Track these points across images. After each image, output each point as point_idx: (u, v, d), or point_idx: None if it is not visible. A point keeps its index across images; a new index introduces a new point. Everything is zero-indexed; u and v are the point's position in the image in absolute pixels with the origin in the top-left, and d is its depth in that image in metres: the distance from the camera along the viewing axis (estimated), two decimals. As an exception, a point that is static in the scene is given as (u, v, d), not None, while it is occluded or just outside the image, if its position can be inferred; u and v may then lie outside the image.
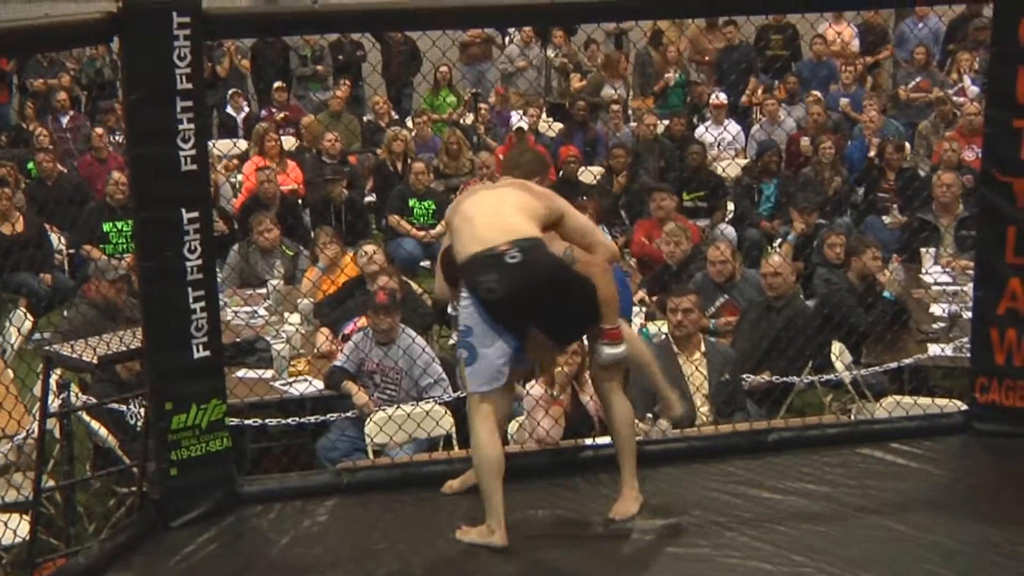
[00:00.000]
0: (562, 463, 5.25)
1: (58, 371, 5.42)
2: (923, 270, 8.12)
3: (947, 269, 8.08)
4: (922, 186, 9.31)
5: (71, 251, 9.72)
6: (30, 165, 10.84)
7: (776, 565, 4.39)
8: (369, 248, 7.73)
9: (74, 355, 5.02)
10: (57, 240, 9.80)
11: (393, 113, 12.73)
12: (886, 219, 9.48)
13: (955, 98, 11.68)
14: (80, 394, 5.90)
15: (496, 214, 4.52)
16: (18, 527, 5.08)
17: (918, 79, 12.57)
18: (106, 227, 9.41)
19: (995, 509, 4.79)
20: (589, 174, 10.67)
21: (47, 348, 5.44)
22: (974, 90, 11.52)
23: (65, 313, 7.95)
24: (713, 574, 4.37)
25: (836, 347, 6.68)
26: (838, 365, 6.60)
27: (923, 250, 8.27)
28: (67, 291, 9.03)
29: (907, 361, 6.56)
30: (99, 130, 10.90)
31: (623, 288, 4.93)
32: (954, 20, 13.08)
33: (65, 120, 12.20)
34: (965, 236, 8.24)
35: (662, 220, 8.79)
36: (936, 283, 7.83)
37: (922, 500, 4.91)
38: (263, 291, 8.04)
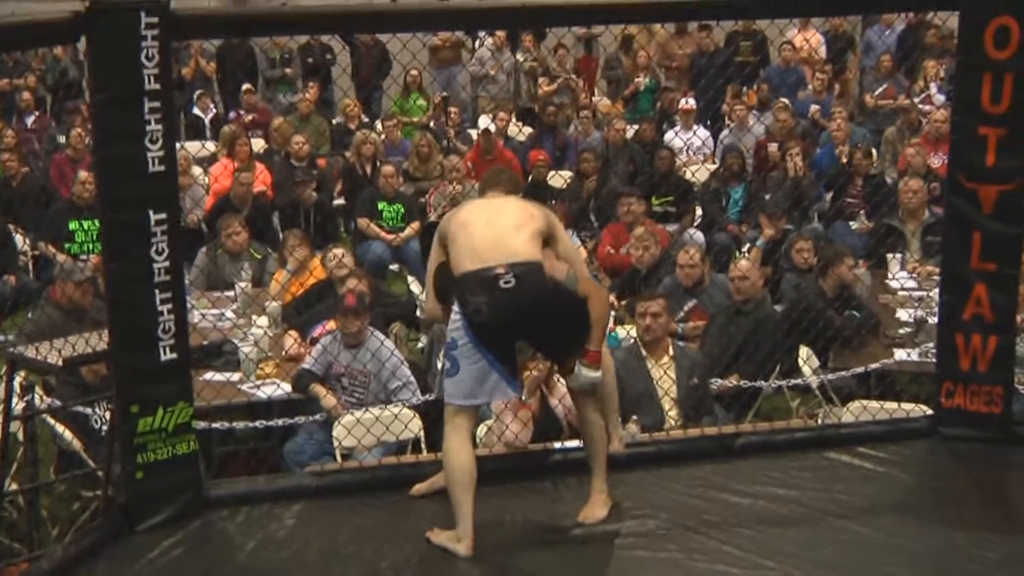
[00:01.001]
0: (530, 466, 5.25)
1: (22, 373, 5.38)
2: (889, 275, 8.16)
3: (913, 275, 8.13)
4: (889, 192, 9.38)
5: (36, 252, 9.66)
6: (-7, 165, 10.76)
7: (743, 569, 4.40)
8: (338, 251, 7.71)
9: (39, 357, 4.99)
10: (22, 241, 9.74)
11: (363, 116, 12.72)
12: (853, 225, 9.53)
13: (921, 106, 11.77)
14: (44, 397, 5.86)
15: (496, 229, 4.50)
16: (-19, 531, 5.04)
17: (884, 86, 12.65)
18: (72, 225, 9.36)
19: (960, 513, 4.82)
20: (559, 178, 10.69)
21: (11, 350, 5.41)
22: (940, 98, 11.61)
23: (30, 315, 7.90)
24: (674, 572, 4.39)
25: (804, 352, 6.71)
26: (805, 370, 6.63)
27: (889, 256, 8.32)
28: (32, 292, 8.96)
29: (874, 366, 6.59)
30: (78, 130, 10.83)
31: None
32: (908, 26, 13.18)
33: (30, 120, 12.14)
34: (931, 242, 8.29)
35: (630, 224, 8.82)
36: (902, 288, 7.88)
37: (888, 504, 4.94)
38: (231, 294, 8.00)
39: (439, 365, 6.76)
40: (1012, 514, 4.93)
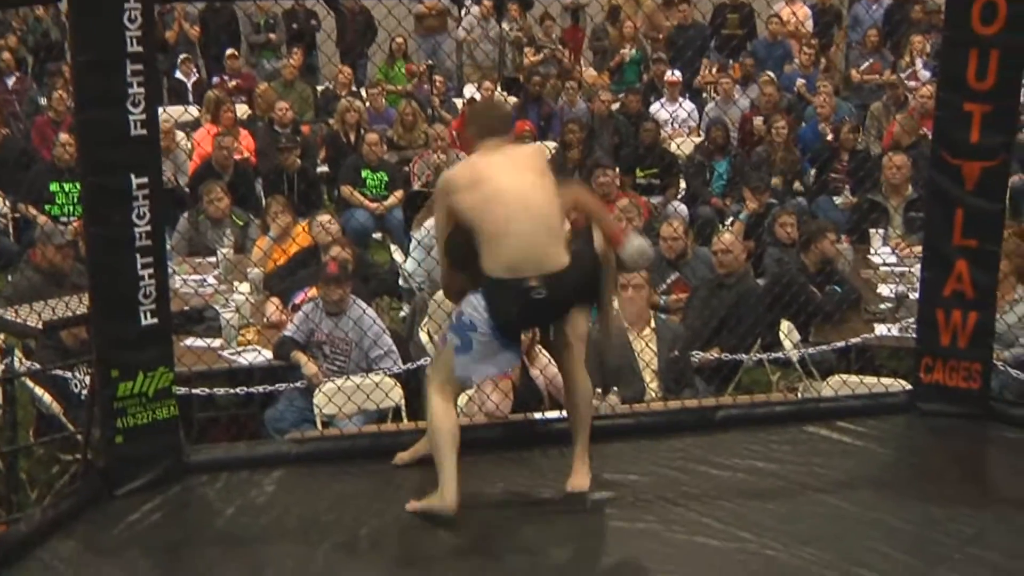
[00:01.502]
0: (511, 436, 5.26)
1: (1, 336, 5.36)
2: (872, 251, 8.18)
3: (895, 250, 8.15)
4: (874, 167, 9.39)
5: (16, 215, 9.62)
6: (-28, 127, 10.71)
7: (722, 541, 4.42)
8: (323, 218, 7.70)
9: (18, 320, 4.97)
10: (2, 203, 9.69)
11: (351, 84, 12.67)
12: (837, 200, 9.55)
13: (907, 82, 11.77)
14: (24, 360, 5.85)
15: (529, 224, 4.39)
16: (-41, 493, 5.04)
17: (870, 61, 12.65)
18: (53, 187, 9.32)
19: (938, 488, 4.85)
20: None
21: (-9, 313, 5.39)
22: (925, 74, 11.62)
23: (10, 277, 7.88)
24: (660, 549, 4.40)
25: (784, 326, 6.73)
26: (786, 343, 6.65)
27: (872, 231, 8.34)
28: (12, 255, 8.94)
29: (854, 340, 6.61)
30: (60, 92, 10.76)
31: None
32: (895, 1, 13.18)
33: (11, 81, 12.05)
34: (914, 218, 8.32)
35: (603, 197, 8.83)
36: (884, 264, 7.90)
37: (866, 478, 4.97)
38: (213, 260, 7.99)
39: (422, 336, 6.78)
40: (989, 489, 4.97)
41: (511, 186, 4.41)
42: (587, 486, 4.72)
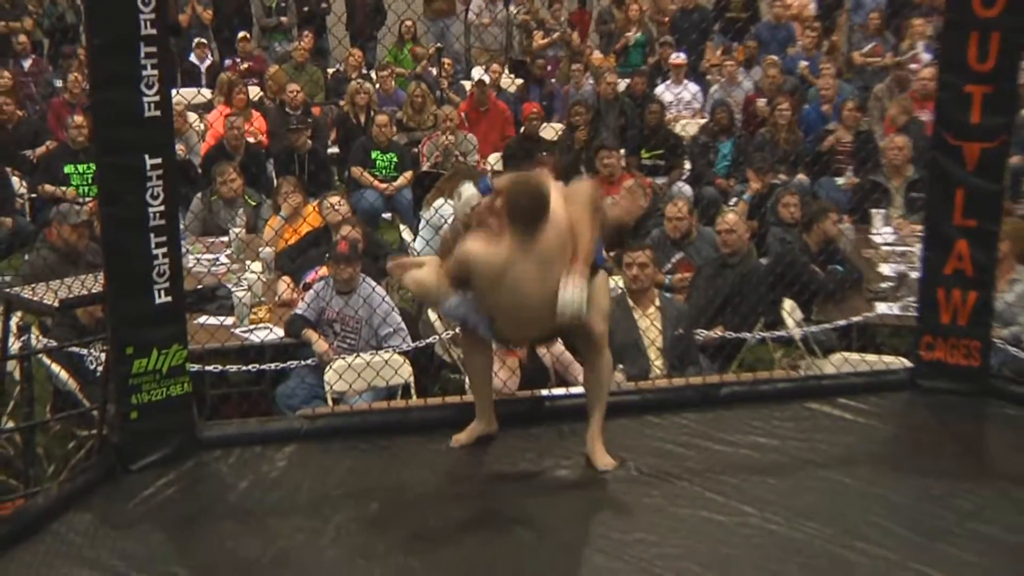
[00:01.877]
0: (518, 413, 5.26)
1: (18, 314, 5.37)
2: (873, 230, 8.17)
3: (896, 230, 8.13)
4: (875, 148, 9.37)
5: (32, 195, 9.63)
6: (-9, 108, 10.69)
7: (725, 515, 4.42)
8: (335, 199, 7.70)
9: (35, 298, 4.98)
10: (18, 183, 9.70)
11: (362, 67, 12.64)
12: (839, 180, 9.52)
13: (909, 64, 11.72)
14: (40, 337, 5.85)
15: (535, 313, 4.51)
16: (-22, 468, 5.06)
17: (872, 44, 12.60)
18: (67, 168, 9.33)
19: (937, 463, 4.85)
20: (551, 130, 10.66)
21: (7, 291, 5.39)
22: (926, 57, 11.56)
23: (26, 257, 7.88)
24: (664, 523, 4.40)
25: (787, 304, 6.72)
26: (789, 322, 6.64)
27: (873, 211, 8.33)
28: (28, 235, 8.94)
29: (856, 319, 6.61)
30: (75, 75, 10.75)
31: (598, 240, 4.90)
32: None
33: (27, 64, 12.04)
34: (915, 198, 8.30)
35: (608, 178, 8.83)
36: (885, 243, 7.89)
37: (867, 454, 4.97)
38: (225, 239, 7.99)
39: (431, 314, 6.79)
40: (988, 465, 4.97)
41: (530, 289, 4.46)
42: (611, 464, 4.77)
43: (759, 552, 4.20)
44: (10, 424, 5.39)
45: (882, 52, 12.44)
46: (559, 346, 5.71)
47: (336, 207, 7.53)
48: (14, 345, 5.22)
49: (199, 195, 8.60)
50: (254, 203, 8.62)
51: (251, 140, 10.05)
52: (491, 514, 4.46)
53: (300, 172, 9.50)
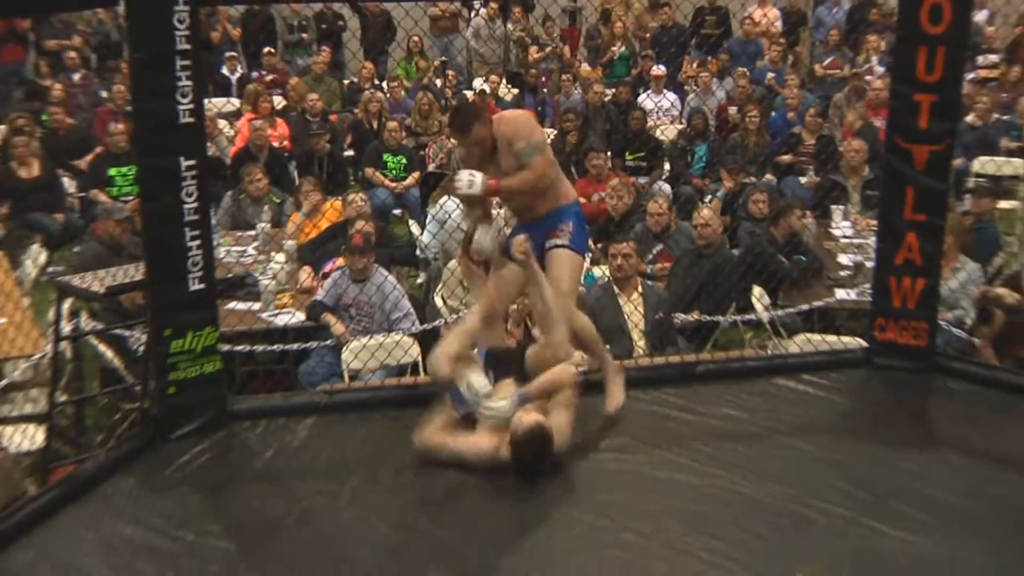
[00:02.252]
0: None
1: (69, 300, 5.38)
2: (833, 224, 8.17)
3: (853, 224, 8.14)
4: (835, 150, 9.37)
5: (82, 194, 9.63)
6: (44, 117, 10.69)
7: (700, 479, 4.44)
8: (359, 196, 7.72)
9: (84, 286, 4.99)
10: (69, 183, 9.70)
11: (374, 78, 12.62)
12: (803, 179, 9.53)
13: (865, 76, 11.71)
14: (89, 320, 5.86)
15: None
16: (35, 436, 5.07)
17: (832, 58, 12.59)
18: (111, 172, 9.32)
19: (890, 432, 4.86)
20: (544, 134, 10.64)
21: (60, 280, 5.40)
22: (880, 69, 11.56)
23: (76, 249, 7.88)
24: (645, 485, 4.43)
25: (756, 291, 6.73)
26: (758, 307, 6.65)
27: (833, 207, 8.33)
28: (77, 229, 8.95)
29: (817, 304, 6.62)
30: (119, 86, 10.73)
31: (580, 226, 4.90)
32: (854, 5, 13.11)
33: (76, 77, 12.02)
34: (870, 195, 8.30)
35: (595, 177, 8.85)
36: (843, 236, 7.89)
37: (827, 424, 4.98)
38: (252, 233, 7.99)
39: (436, 300, 6.79)
40: (933, 432, 4.99)
41: None
42: (623, 398, 4.95)
43: (729, 510, 4.22)
44: (63, 398, 5.40)
45: (841, 65, 12.44)
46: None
47: (359, 203, 7.53)
48: (66, 328, 5.22)
49: (229, 193, 8.59)
50: (278, 200, 8.62)
51: (275, 144, 10.04)
52: (488, 476, 4.46)
53: (319, 173, 9.49)
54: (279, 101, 11.66)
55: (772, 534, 4.05)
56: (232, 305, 6.51)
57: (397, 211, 9.80)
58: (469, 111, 4.77)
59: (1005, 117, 10.36)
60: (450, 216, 7.46)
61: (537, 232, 4.77)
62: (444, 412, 4.58)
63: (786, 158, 9.71)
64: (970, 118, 9.99)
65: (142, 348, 5.32)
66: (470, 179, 4.60)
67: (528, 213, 4.85)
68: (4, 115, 10.71)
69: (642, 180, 9.88)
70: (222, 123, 10.71)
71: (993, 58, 12.38)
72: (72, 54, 12.22)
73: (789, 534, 4.05)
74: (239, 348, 5.94)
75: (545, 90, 12.39)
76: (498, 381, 4.57)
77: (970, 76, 10.76)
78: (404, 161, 9.93)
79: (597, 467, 4.56)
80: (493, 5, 13.15)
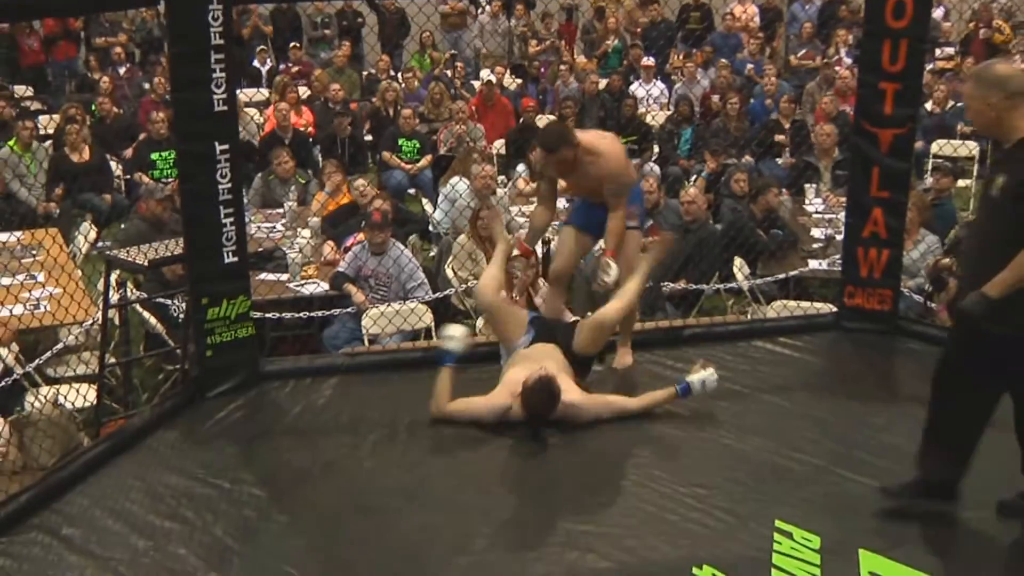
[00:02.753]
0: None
1: (117, 272, 5.37)
2: (806, 201, 8.14)
3: (825, 201, 8.10)
4: (808, 134, 9.31)
5: (127, 176, 9.60)
6: (93, 107, 10.65)
7: (686, 432, 4.45)
8: (360, 182, 7.70)
9: (130, 259, 4.98)
10: (115, 166, 9.66)
11: (389, 69, 12.54)
12: (779, 160, 9.47)
13: (835, 67, 11.62)
14: (135, 290, 5.86)
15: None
16: (88, 394, 5.08)
17: (805, 50, 12.50)
18: (154, 156, 9.29)
19: (858, 389, 4.87)
20: (545, 120, 10.59)
21: (108, 254, 5.39)
22: (848, 60, 11.48)
23: (122, 226, 7.87)
24: (636, 437, 4.43)
25: (737, 262, 6.71)
26: (738, 276, 6.63)
27: (807, 185, 8.29)
28: (124, 208, 8.92)
29: (792, 273, 6.59)
30: (160, 78, 10.67)
31: (641, 205, 5.05)
32: (825, 1, 13.02)
33: (122, 70, 11.97)
34: (840, 175, 8.26)
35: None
36: (816, 212, 7.85)
37: (801, 382, 4.98)
38: (281, 211, 7.97)
39: (447, 271, 6.77)
40: (896, 389, 4.99)
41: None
42: (629, 362, 5.03)
43: (714, 461, 4.23)
44: (112, 360, 5.40)
45: (813, 56, 12.35)
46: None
47: (363, 187, 7.52)
48: (114, 297, 5.22)
49: (259, 175, 8.56)
50: (303, 181, 8.58)
51: (300, 129, 10.00)
52: (495, 430, 4.46)
53: (341, 154, 9.45)
54: (304, 91, 11.59)
55: (752, 481, 4.05)
56: (263, 276, 6.49)
57: (411, 190, 9.76)
58: (558, 134, 4.74)
59: (960, 104, 10.30)
60: (460, 195, 7.42)
61: (602, 211, 4.83)
62: (448, 379, 4.55)
63: (780, 137, 9.61)
64: (929, 105, 9.95)
65: (182, 315, 5.32)
66: (611, 271, 4.74)
67: (596, 196, 4.85)
68: (58, 106, 10.67)
69: (634, 162, 9.80)
70: (251, 111, 10.65)
71: (949, 51, 12.34)
72: (118, 49, 12.17)
73: (768, 481, 4.06)
74: (269, 315, 5.92)
75: (544, 80, 12.30)
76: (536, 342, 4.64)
77: (929, 67, 10.71)
78: (418, 145, 9.88)
79: (594, 421, 4.54)
80: (497, 3, 13.06)
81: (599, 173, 4.73)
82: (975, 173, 9.22)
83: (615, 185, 4.76)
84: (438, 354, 4.61)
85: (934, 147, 9.60)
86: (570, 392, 4.43)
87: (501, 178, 8.99)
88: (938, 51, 12.13)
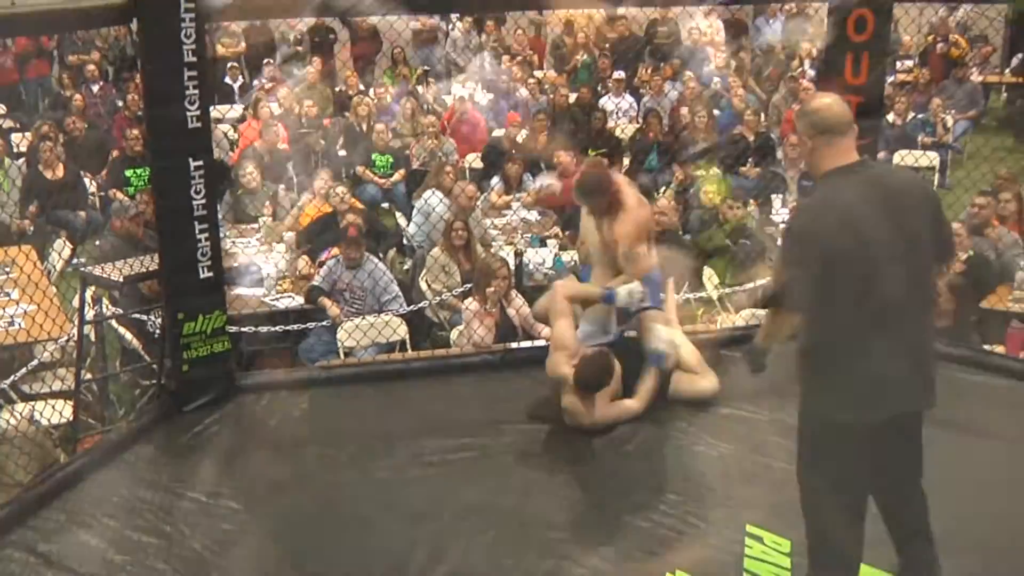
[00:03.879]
0: (493, 362, 5.28)
1: (92, 288, 5.34)
2: (773, 212, 8.19)
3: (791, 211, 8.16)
4: (774, 146, 9.39)
5: (101, 193, 9.54)
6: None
7: (657, 438, 4.49)
8: (338, 188, 7.69)
9: (104, 275, 4.95)
10: (89, 183, 9.60)
11: (360, 84, 12.53)
12: (743, 169, 9.53)
13: (799, 80, 11.71)
14: (110, 306, 5.82)
15: None
16: (64, 410, 5.04)
17: (771, 66, 12.60)
18: (128, 173, 9.23)
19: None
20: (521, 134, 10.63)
21: (83, 270, 5.36)
22: (811, 72, 11.58)
23: (97, 242, 7.82)
24: (605, 443, 4.45)
25: (707, 272, 6.74)
26: (708, 285, 6.66)
27: (774, 196, 8.35)
28: (98, 225, 8.87)
29: (760, 282, 6.62)
30: (133, 95, 10.61)
31: (655, 285, 4.88)
32: (788, 16, 13.15)
33: (96, 88, 11.91)
34: (806, 185, 8.31)
35: (563, 173, 8.84)
36: (782, 222, 7.90)
37: (770, 388, 4.92)
38: (255, 226, 7.95)
39: (421, 284, 6.77)
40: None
41: None
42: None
43: (686, 467, 4.26)
44: (88, 376, 5.36)
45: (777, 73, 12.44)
46: (525, 308, 5.71)
47: (341, 195, 7.52)
48: (89, 313, 5.18)
49: (228, 190, 8.54)
50: (270, 192, 8.58)
51: (274, 146, 9.97)
52: (471, 443, 4.47)
53: (314, 169, 9.44)
54: (277, 107, 11.55)
55: (723, 487, 4.08)
56: (238, 291, 6.48)
57: (385, 204, 9.75)
58: (596, 184, 4.72)
59: (920, 116, 10.45)
60: (433, 209, 7.43)
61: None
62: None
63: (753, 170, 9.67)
64: (891, 116, 10.05)
65: (158, 330, 5.29)
66: (636, 293, 4.73)
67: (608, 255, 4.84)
68: (32, 124, 10.60)
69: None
70: (224, 127, 10.62)
71: (909, 63, 12.48)
72: (91, 67, 12.11)
73: (738, 487, 4.08)
74: (245, 329, 5.91)
75: (516, 95, 12.32)
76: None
77: (890, 79, 10.83)
78: (391, 160, 9.89)
79: (569, 427, 4.56)
80: (468, 20, 13.10)
81: (619, 237, 4.65)
82: (935, 183, 9.32)
83: (627, 249, 4.65)
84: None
85: (896, 158, 9.70)
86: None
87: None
88: (899, 64, 12.27)
